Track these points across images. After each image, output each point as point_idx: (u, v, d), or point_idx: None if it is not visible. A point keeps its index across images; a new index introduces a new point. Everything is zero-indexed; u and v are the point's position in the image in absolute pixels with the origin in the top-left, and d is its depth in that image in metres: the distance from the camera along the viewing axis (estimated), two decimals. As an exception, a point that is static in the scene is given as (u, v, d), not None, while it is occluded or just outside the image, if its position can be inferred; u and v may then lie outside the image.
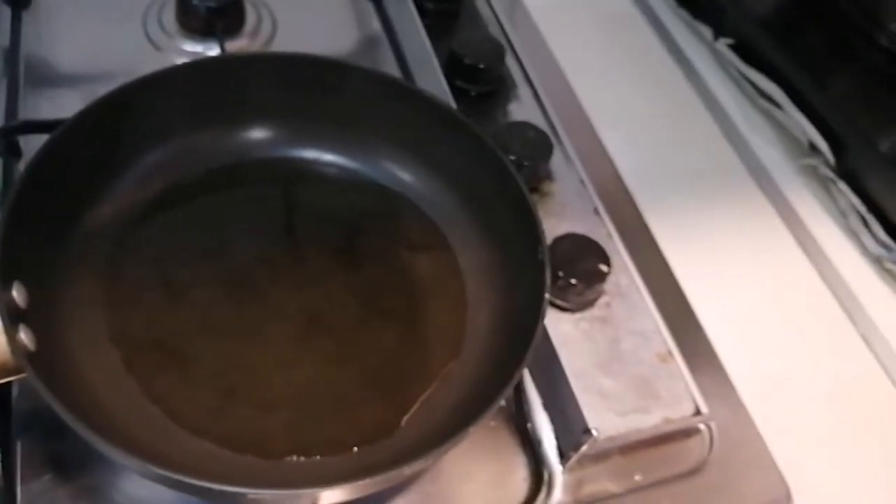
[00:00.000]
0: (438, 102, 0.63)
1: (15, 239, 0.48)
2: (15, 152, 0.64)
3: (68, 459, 0.53)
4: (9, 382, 0.47)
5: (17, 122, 0.65)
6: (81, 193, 0.56)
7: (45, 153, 0.51)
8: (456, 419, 0.49)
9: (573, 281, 0.62)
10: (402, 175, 0.64)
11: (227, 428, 0.51)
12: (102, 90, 0.72)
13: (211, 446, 0.50)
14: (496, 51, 0.77)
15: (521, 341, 0.49)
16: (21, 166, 0.64)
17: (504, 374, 0.48)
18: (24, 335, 0.45)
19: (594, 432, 0.56)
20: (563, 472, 0.58)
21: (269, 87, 0.62)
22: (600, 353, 0.62)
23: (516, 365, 0.48)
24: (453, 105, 0.71)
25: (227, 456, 0.49)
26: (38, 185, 0.50)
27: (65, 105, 0.70)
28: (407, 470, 0.45)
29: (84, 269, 0.54)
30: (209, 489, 0.42)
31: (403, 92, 0.63)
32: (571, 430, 0.58)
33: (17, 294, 0.47)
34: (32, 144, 0.64)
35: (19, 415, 0.53)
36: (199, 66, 0.62)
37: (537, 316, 0.49)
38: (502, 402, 0.51)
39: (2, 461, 0.50)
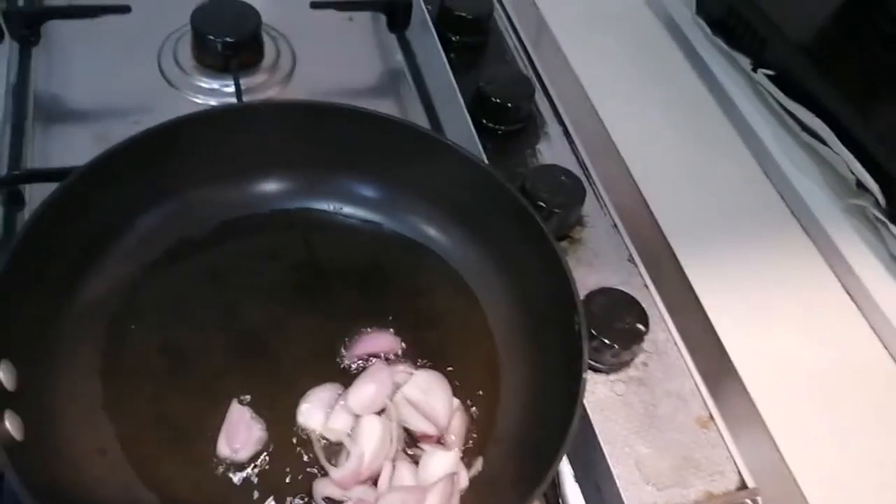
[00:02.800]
0: (471, 158, 0.56)
1: (4, 313, 0.42)
2: (18, 202, 0.59)
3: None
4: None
5: (21, 171, 0.60)
6: (81, 258, 0.50)
7: (39, 218, 0.46)
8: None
9: (608, 341, 0.55)
10: (427, 229, 0.58)
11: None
12: (116, 129, 0.68)
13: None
14: (525, 89, 0.71)
15: (559, 420, 0.43)
16: (25, 216, 0.59)
17: (540, 462, 0.42)
18: (9, 423, 0.40)
19: (634, 513, 0.50)
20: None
21: (287, 137, 0.56)
22: (636, 418, 0.56)
23: (553, 454, 0.42)
24: (478, 145, 0.65)
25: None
26: (31, 253, 0.45)
27: (76, 145, 0.66)
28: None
29: (81, 341, 0.49)
30: None
31: (433, 145, 0.57)
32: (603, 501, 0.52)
33: (5, 375, 0.42)
34: (38, 194, 0.60)
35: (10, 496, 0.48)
36: (212, 116, 0.57)
37: (575, 396, 0.43)
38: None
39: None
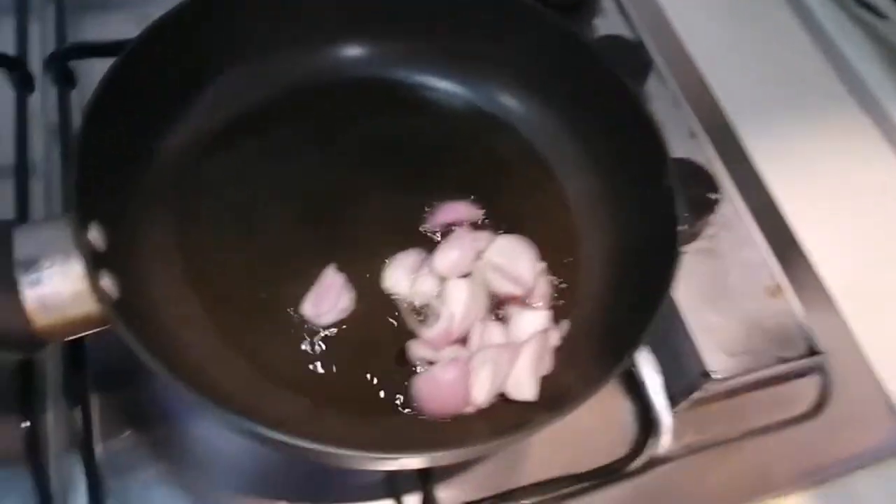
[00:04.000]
0: (560, 23, 0.53)
1: (89, 176, 0.40)
2: (69, 80, 0.56)
3: (146, 413, 0.48)
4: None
5: (69, 45, 0.57)
6: (152, 122, 0.48)
7: (111, 80, 0.43)
8: (579, 369, 0.43)
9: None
10: (504, 99, 0.56)
11: (320, 382, 0.45)
12: (156, 12, 0.65)
13: (304, 401, 0.44)
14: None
15: (651, 280, 0.43)
16: (74, 95, 0.57)
17: (633, 321, 0.42)
18: (106, 282, 0.39)
19: (714, 375, 0.50)
20: (673, 417, 0.52)
21: (365, 2, 0.53)
22: (708, 289, 0.55)
23: (650, 309, 0.41)
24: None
25: (325, 413, 0.43)
26: (106, 116, 0.42)
27: (114, 29, 0.63)
28: (537, 429, 0.39)
29: (157, 206, 0.47)
30: (310, 450, 0.36)
31: (520, 9, 0.53)
32: (685, 373, 0.52)
33: (96, 236, 0.40)
34: (87, 74, 0.57)
35: (94, 368, 0.47)
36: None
37: (671, 252, 0.42)
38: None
39: (81, 417, 0.45)
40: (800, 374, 0.56)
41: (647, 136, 0.48)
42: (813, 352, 0.54)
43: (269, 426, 0.35)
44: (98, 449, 0.46)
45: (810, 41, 0.73)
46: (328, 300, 0.46)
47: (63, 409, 0.46)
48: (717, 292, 0.55)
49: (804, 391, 0.56)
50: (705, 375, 0.50)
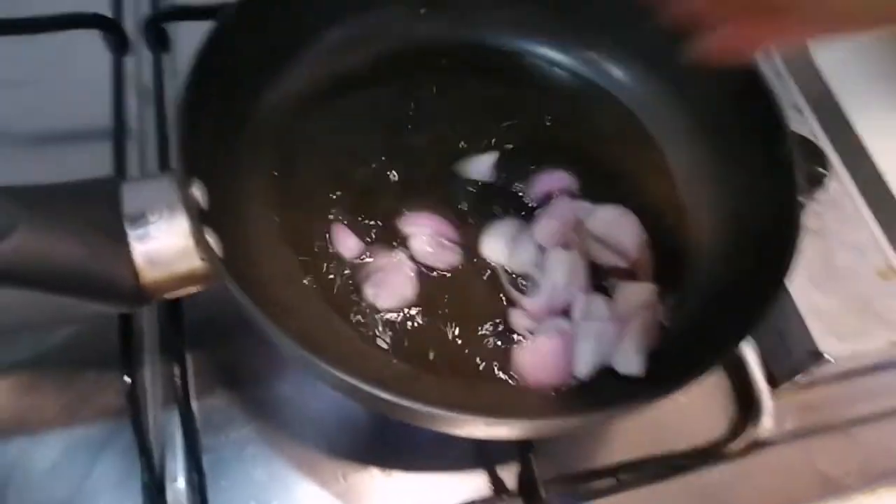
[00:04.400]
0: None
1: (191, 134, 0.40)
2: (163, 43, 0.56)
3: (241, 372, 0.48)
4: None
5: (165, 8, 0.57)
6: (251, 83, 0.47)
7: (212, 42, 0.42)
8: (687, 347, 0.41)
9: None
10: (604, 65, 0.54)
11: (418, 347, 0.44)
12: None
13: (404, 366, 0.43)
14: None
15: (767, 257, 0.40)
16: (166, 58, 0.56)
17: (747, 300, 0.39)
18: (211, 239, 0.39)
19: (827, 357, 0.47)
20: (774, 399, 0.50)
21: None
22: (814, 269, 0.52)
23: (767, 290, 0.38)
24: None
25: (424, 378, 0.42)
26: (208, 77, 0.42)
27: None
28: (643, 406, 0.38)
29: (255, 164, 0.47)
30: (412, 410, 0.35)
31: None
32: (790, 354, 0.49)
33: (199, 193, 0.40)
34: (183, 37, 0.57)
35: (190, 326, 0.47)
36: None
37: (791, 227, 0.40)
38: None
39: (178, 375, 0.45)
40: (913, 360, 0.53)
41: (762, 104, 0.45)
42: (927, 337, 0.51)
43: (374, 386, 0.34)
44: (194, 406, 0.46)
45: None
46: (390, 285, 0.45)
47: (161, 366, 0.46)
48: (825, 273, 0.52)
49: (916, 379, 0.53)
50: (816, 356, 0.47)
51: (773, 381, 0.50)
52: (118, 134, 0.52)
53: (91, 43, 0.55)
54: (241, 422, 0.46)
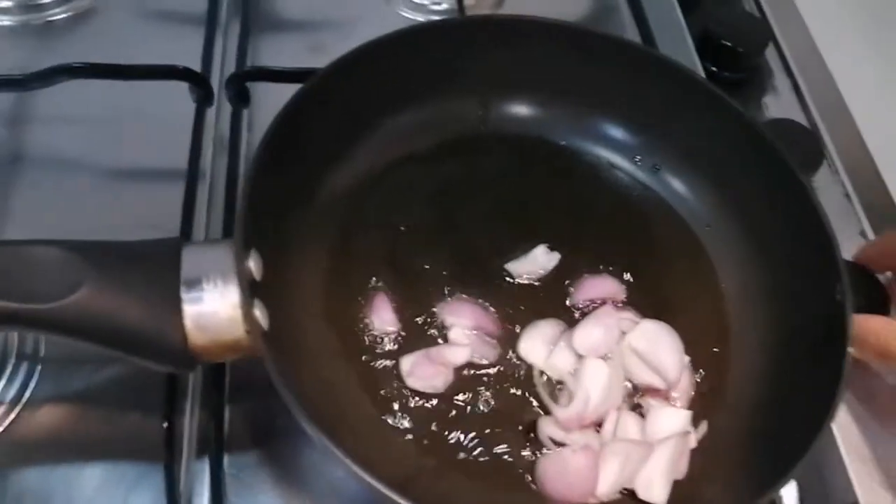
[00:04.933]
0: (738, 110, 0.51)
1: (255, 204, 0.42)
2: (244, 99, 0.59)
3: (276, 433, 0.49)
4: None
5: (250, 68, 0.60)
6: (320, 158, 0.49)
7: (289, 112, 0.44)
8: (717, 481, 0.40)
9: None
10: (664, 176, 0.54)
11: (444, 442, 0.44)
12: (330, 41, 0.67)
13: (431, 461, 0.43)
14: (760, 34, 0.65)
15: (811, 398, 0.39)
16: (246, 114, 0.59)
17: (787, 440, 0.38)
18: (258, 312, 0.40)
19: (869, 512, 0.45)
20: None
21: (535, 61, 0.53)
22: (859, 405, 0.50)
23: (810, 431, 0.37)
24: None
25: (449, 476, 0.42)
26: (280, 147, 0.44)
27: (287, 54, 0.65)
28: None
29: (312, 239, 0.48)
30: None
31: (697, 89, 0.52)
32: (827, 498, 0.47)
33: (254, 264, 0.41)
34: (262, 96, 0.60)
35: (232, 381, 0.49)
36: (455, 25, 0.55)
37: (838, 368, 0.39)
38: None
39: (214, 428, 0.46)
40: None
41: (819, 238, 0.45)
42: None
43: (395, 489, 0.35)
44: (225, 460, 0.47)
45: None
46: (426, 372, 0.45)
47: (199, 417, 0.48)
48: (871, 413, 0.50)
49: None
50: (856, 509, 0.46)
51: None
52: (191, 177, 0.55)
53: (177, 90, 0.58)
54: (268, 483, 0.47)
